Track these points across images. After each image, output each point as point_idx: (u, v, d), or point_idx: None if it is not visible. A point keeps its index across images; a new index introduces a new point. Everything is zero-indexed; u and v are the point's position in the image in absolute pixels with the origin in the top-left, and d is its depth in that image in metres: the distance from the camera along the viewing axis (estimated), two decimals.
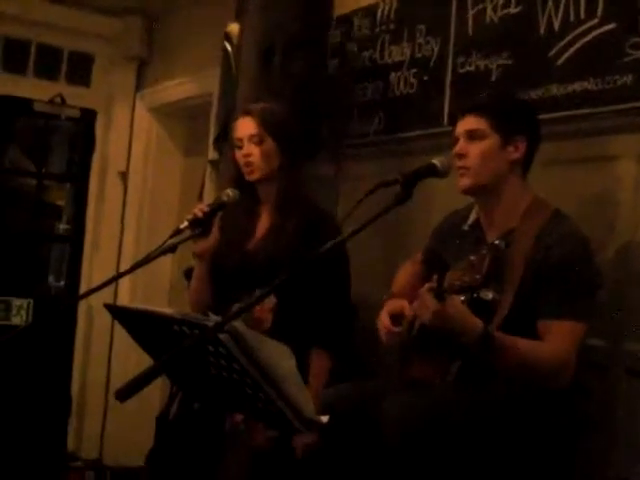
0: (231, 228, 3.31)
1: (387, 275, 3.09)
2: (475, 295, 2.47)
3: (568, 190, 3.08)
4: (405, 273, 3.07)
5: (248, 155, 3.22)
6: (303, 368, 2.96)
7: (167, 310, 2.44)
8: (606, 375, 2.89)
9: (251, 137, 3.23)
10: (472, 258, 2.33)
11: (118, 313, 2.63)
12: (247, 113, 3.28)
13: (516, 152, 2.71)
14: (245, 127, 3.26)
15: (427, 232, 3.11)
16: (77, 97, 6.11)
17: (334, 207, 4.00)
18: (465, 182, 2.73)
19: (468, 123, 2.74)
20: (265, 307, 3.14)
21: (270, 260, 3.09)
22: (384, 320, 2.79)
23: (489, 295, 2.48)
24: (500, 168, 2.71)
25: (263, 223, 3.31)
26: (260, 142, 3.22)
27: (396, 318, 2.79)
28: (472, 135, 2.72)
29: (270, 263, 3.06)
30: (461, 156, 2.72)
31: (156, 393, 5.21)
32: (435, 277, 2.38)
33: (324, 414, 2.28)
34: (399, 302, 2.80)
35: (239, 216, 3.31)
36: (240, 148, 3.26)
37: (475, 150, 2.71)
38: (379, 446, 2.53)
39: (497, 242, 2.43)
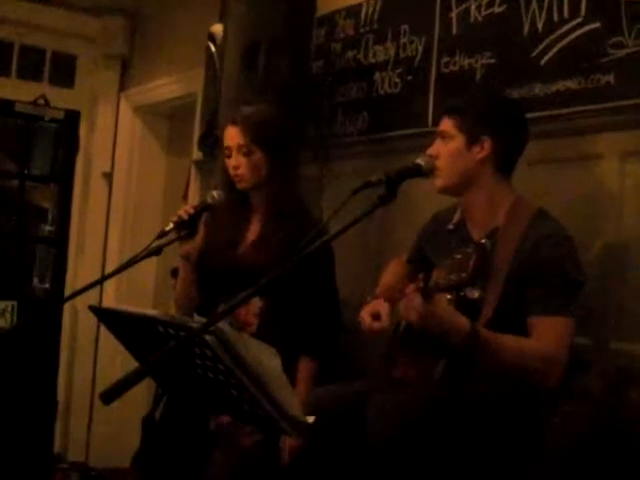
0: (220, 231, 3.29)
1: (371, 275, 3.10)
2: (461, 294, 2.48)
3: (552, 189, 3.09)
4: (390, 273, 3.07)
5: (237, 167, 3.21)
6: (289, 372, 2.97)
7: (152, 311, 2.43)
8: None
9: (239, 147, 3.21)
10: (458, 257, 2.33)
11: (103, 315, 2.62)
12: (234, 122, 3.26)
13: (481, 152, 2.73)
14: (233, 137, 3.24)
15: (411, 232, 3.11)
16: (61, 98, 6.08)
17: (319, 207, 4.00)
18: (437, 182, 2.78)
19: (441, 124, 2.80)
20: (251, 311, 3.14)
21: (260, 265, 3.06)
22: (365, 319, 2.80)
23: (475, 294, 2.49)
24: (468, 168, 2.74)
25: (254, 229, 3.30)
26: (248, 153, 3.21)
27: (376, 317, 2.80)
28: (443, 136, 2.78)
29: (260, 268, 3.03)
30: (432, 157, 2.75)
31: (142, 394, 5.17)
32: (421, 276, 2.38)
33: (310, 415, 2.27)
34: (379, 303, 2.80)
35: (229, 220, 3.29)
36: (229, 157, 3.25)
37: (444, 151, 2.75)
38: (365, 447, 2.53)
39: (483, 241, 2.44)
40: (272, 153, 3.23)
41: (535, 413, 2.58)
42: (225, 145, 3.27)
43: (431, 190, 2.85)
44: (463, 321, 2.45)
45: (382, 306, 2.78)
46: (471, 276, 2.30)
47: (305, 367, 3.15)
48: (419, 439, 2.48)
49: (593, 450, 2.27)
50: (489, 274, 2.55)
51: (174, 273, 3.58)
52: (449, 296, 2.48)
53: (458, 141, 2.74)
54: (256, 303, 3.15)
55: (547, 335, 2.55)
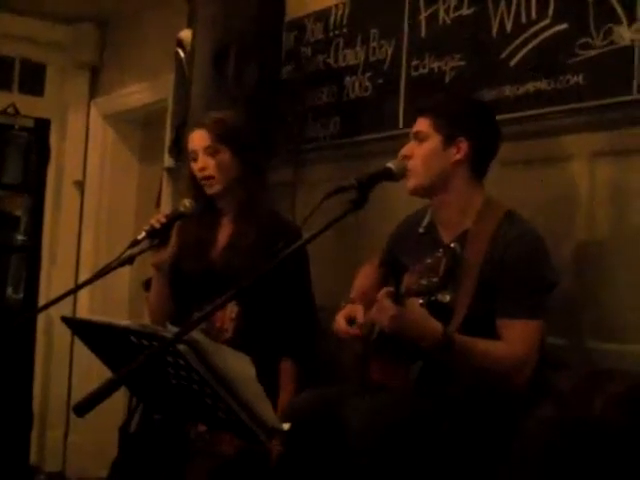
0: (191, 239, 3.27)
1: (344, 279, 3.09)
2: (433, 298, 2.48)
3: (524, 190, 3.10)
4: (363, 277, 3.06)
5: (204, 168, 3.19)
6: (266, 376, 2.96)
7: (125, 322, 2.42)
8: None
9: (205, 149, 3.19)
10: (428, 261, 2.34)
11: (75, 326, 2.61)
12: (200, 125, 3.25)
13: (458, 153, 2.73)
14: (199, 139, 3.22)
15: (383, 235, 3.11)
16: (31, 106, 6.07)
17: (291, 212, 3.99)
18: (410, 183, 2.76)
19: (416, 125, 2.79)
20: (227, 316, 3.14)
21: (233, 270, 3.06)
22: (340, 323, 2.79)
23: (447, 297, 2.49)
24: (443, 169, 2.73)
25: (224, 233, 3.28)
26: (215, 153, 3.19)
27: (352, 322, 2.79)
28: (418, 137, 2.76)
29: (232, 272, 3.02)
30: (406, 157, 2.74)
31: (119, 403, 5.16)
32: (392, 281, 2.38)
33: (286, 422, 2.27)
34: (355, 308, 2.80)
35: (199, 227, 3.27)
36: (195, 161, 3.23)
37: (419, 152, 2.74)
38: (342, 451, 2.53)
39: (453, 244, 2.44)
40: (239, 154, 3.21)
41: (508, 414, 2.58)
42: (190, 149, 3.25)
43: (407, 192, 2.84)
44: (435, 325, 2.46)
45: (357, 310, 2.78)
46: (442, 280, 2.31)
47: (289, 370, 3.14)
48: (396, 442, 2.48)
49: (566, 451, 2.27)
50: (460, 277, 2.56)
51: (146, 285, 3.56)
52: (421, 300, 2.48)
53: (434, 141, 2.73)
54: (232, 309, 3.14)
55: (516, 338, 2.56)
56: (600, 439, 2.15)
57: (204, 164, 3.19)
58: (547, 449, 1.95)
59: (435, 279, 2.31)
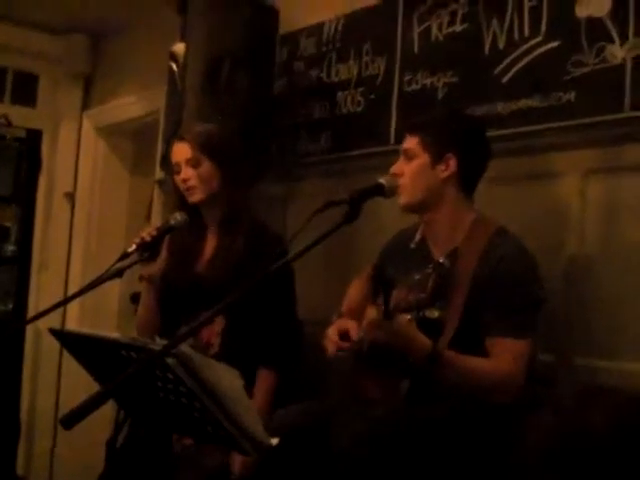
0: (178, 252, 3.27)
1: (335, 293, 3.09)
2: (421, 314, 2.48)
3: (515, 206, 3.10)
4: (354, 291, 3.06)
5: (186, 180, 3.19)
6: (252, 389, 2.95)
7: (114, 334, 2.40)
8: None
9: (187, 161, 3.20)
10: (417, 277, 2.34)
11: (64, 338, 2.59)
12: (182, 138, 3.26)
13: (447, 170, 2.73)
14: (181, 152, 3.23)
15: (374, 250, 3.11)
16: (23, 117, 6.06)
17: (282, 226, 3.99)
18: (401, 200, 2.77)
19: (405, 142, 2.80)
20: (214, 331, 3.13)
21: (218, 282, 3.06)
22: (332, 336, 2.78)
23: (435, 314, 2.49)
24: (432, 186, 2.74)
25: (209, 245, 3.27)
26: (197, 165, 3.19)
27: (344, 337, 2.77)
28: (407, 154, 2.78)
29: (218, 285, 3.02)
30: (396, 175, 2.74)
31: (107, 416, 5.14)
32: (381, 297, 2.37)
33: (274, 436, 2.26)
34: (347, 322, 2.79)
35: (186, 240, 3.27)
36: (178, 173, 3.23)
37: (408, 169, 2.75)
38: (330, 466, 2.52)
39: (442, 260, 2.44)
40: (221, 165, 3.21)
41: (500, 430, 2.58)
42: (174, 162, 3.25)
43: (398, 208, 2.85)
44: (424, 340, 2.45)
45: (350, 325, 2.76)
46: (430, 296, 2.30)
47: (264, 379, 3.11)
48: (386, 457, 2.47)
49: (557, 467, 2.27)
50: (450, 294, 2.56)
51: (134, 298, 3.55)
52: (409, 316, 2.48)
53: (422, 159, 2.74)
54: (219, 323, 3.14)
55: (505, 356, 2.56)
56: (596, 450, 2.16)
57: (186, 175, 3.19)
58: (544, 459, 1.96)
59: (423, 295, 2.31)
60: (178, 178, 3.23)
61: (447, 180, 2.74)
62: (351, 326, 2.75)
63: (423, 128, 2.79)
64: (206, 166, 3.20)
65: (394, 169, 2.77)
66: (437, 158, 2.73)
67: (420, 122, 2.84)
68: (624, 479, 2.10)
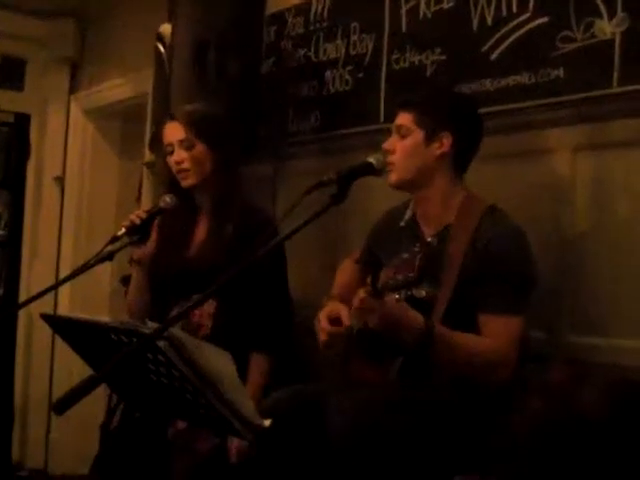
0: (169, 235, 3.25)
1: (325, 274, 3.09)
2: (409, 293, 2.47)
3: (505, 184, 3.10)
4: (344, 273, 3.05)
5: (180, 162, 3.17)
6: (244, 373, 2.95)
7: (105, 319, 2.40)
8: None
9: (180, 142, 3.17)
10: (405, 256, 2.33)
11: (55, 323, 2.59)
12: (174, 118, 3.23)
13: (441, 148, 2.72)
14: (173, 132, 3.20)
15: (365, 230, 3.10)
16: (10, 101, 6.03)
17: (272, 206, 3.98)
18: (391, 178, 2.75)
19: (398, 119, 2.77)
20: (205, 312, 3.12)
21: (210, 265, 3.04)
22: (322, 322, 2.77)
23: (422, 292, 2.49)
24: (425, 164, 2.72)
25: (201, 229, 3.26)
26: (190, 147, 3.17)
27: (335, 321, 2.76)
28: (400, 131, 2.75)
29: (210, 268, 3.00)
30: (388, 152, 2.72)
31: (101, 400, 5.14)
32: (369, 277, 2.36)
33: (267, 418, 2.26)
34: (338, 306, 2.77)
35: (177, 222, 3.25)
36: (171, 154, 3.20)
37: (401, 146, 2.73)
38: (323, 448, 2.51)
39: (429, 239, 2.43)
40: (214, 147, 3.19)
41: (490, 409, 2.58)
42: (166, 142, 3.22)
43: (389, 187, 2.84)
44: (416, 316, 2.45)
45: (341, 309, 2.75)
46: (417, 275, 2.29)
47: (257, 363, 3.11)
48: (378, 439, 2.47)
49: (549, 445, 2.27)
50: (441, 272, 2.55)
51: (124, 281, 3.54)
52: (397, 295, 2.47)
53: (416, 136, 2.72)
54: (210, 304, 3.13)
55: (498, 333, 2.56)
56: (587, 431, 2.16)
57: (180, 157, 3.16)
58: (534, 440, 1.96)
59: (411, 274, 2.30)
60: (171, 159, 3.20)
61: (440, 158, 2.72)
62: (342, 310, 2.74)
63: (418, 105, 2.76)
64: (199, 148, 3.18)
65: (386, 145, 2.75)
66: (432, 135, 2.71)
67: (415, 98, 2.80)
68: (615, 460, 2.10)
